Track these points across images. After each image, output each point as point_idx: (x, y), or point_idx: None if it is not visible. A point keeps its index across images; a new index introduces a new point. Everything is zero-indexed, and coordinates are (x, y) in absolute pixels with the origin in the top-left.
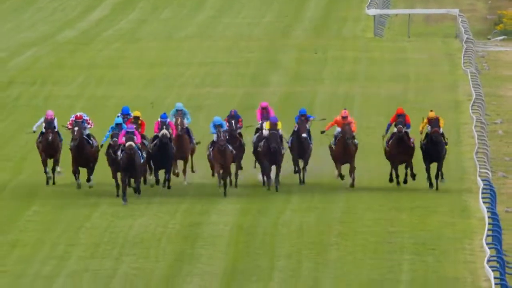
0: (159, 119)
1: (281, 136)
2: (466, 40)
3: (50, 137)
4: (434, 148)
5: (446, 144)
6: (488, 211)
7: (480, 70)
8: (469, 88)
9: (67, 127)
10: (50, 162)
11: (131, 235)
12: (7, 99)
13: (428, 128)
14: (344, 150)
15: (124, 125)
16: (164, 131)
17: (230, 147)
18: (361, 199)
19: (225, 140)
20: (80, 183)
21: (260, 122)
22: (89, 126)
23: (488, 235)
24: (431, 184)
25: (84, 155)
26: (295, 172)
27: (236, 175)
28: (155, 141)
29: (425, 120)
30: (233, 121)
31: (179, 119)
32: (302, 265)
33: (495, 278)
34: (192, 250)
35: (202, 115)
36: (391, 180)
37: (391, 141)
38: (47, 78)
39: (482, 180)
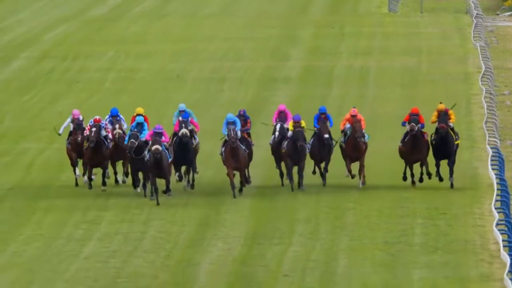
0: (180, 118)
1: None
2: (476, 15)
3: (80, 139)
4: (443, 144)
5: (457, 140)
6: (496, 178)
7: (489, 44)
8: (479, 61)
9: (86, 130)
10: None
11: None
12: (41, 72)
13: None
14: (354, 148)
15: (145, 125)
16: (184, 130)
17: (243, 147)
18: (377, 168)
19: (237, 138)
20: (92, 184)
21: (274, 124)
22: (106, 127)
23: (496, 200)
24: (441, 179)
25: (99, 156)
26: (314, 172)
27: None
28: (175, 139)
29: (436, 113)
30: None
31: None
32: (320, 228)
33: (503, 240)
34: (217, 216)
35: (226, 87)
36: (404, 178)
37: (405, 139)
38: (78, 53)
39: (491, 148)
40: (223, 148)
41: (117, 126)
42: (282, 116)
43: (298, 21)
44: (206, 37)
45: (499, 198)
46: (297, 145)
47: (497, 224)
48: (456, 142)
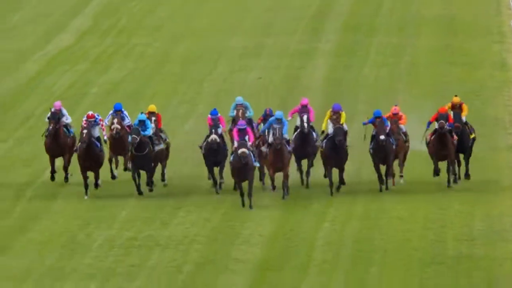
0: (209, 115)
1: (346, 133)
2: None
3: (51, 127)
4: (459, 141)
5: (471, 133)
6: None
7: None
8: None
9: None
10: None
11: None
12: None
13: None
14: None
15: (148, 122)
16: (213, 136)
17: (289, 147)
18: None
19: (282, 139)
20: (88, 186)
21: (290, 118)
22: (100, 124)
23: None
24: (455, 180)
25: (92, 159)
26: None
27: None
28: (207, 140)
29: (449, 104)
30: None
31: (241, 111)
32: None
33: None
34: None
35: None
36: (437, 172)
37: (433, 137)
38: None
39: None
40: (267, 149)
41: (115, 120)
42: (304, 112)
43: None
44: None
45: None
46: (336, 143)
47: None
48: (471, 137)
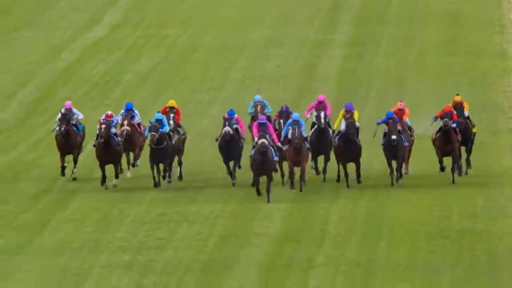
0: (226, 115)
1: (357, 129)
2: None
3: (63, 128)
4: (462, 136)
5: (474, 126)
6: None
7: None
8: None
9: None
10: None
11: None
12: None
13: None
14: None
15: (165, 120)
16: (227, 128)
17: (307, 145)
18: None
19: (301, 138)
20: (106, 185)
21: (308, 116)
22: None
23: None
24: (460, 174)
25: (110, 153)
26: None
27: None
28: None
29: (451, 104)
30: (281, 120)
31: (259, 106)
32: None
33: None
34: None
35: None
36: (442, 169)
37: (438, 134)
38: None
39: None
40: (287, 145)
41: (125, 122)
42: (320, 108)
43: None
44: None
45: None
46: (349, 140)
47: None
48: (474, 130)
